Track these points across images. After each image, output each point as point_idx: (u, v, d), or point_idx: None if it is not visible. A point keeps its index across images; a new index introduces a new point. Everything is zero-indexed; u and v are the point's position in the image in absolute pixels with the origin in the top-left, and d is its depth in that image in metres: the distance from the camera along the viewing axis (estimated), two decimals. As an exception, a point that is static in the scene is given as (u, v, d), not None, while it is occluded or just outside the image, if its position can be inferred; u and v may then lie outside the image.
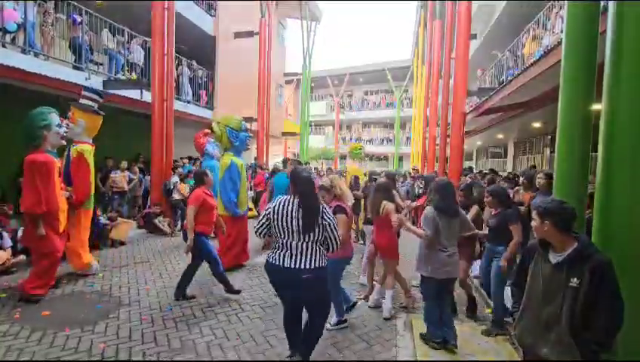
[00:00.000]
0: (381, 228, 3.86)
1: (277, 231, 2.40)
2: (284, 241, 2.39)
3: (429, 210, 3.09)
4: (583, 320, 1.65)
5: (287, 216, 2.35)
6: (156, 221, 7.35)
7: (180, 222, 7.79)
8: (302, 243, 2.36)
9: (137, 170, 8.53)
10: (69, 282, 4.40)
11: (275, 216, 2.39)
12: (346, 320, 3.45)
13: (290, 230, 2.35)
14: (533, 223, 1.83)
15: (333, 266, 3.11)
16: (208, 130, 7.30)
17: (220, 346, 3.04)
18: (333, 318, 3.37)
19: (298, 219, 2.33)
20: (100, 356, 2.82)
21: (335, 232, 2.42)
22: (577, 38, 2.44)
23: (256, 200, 9.63)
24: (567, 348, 1.65)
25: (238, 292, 4.05)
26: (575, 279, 1.65)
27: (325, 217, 2.38)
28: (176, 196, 7.60)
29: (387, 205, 3.73)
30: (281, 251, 2.40)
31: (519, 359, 2.82)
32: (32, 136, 3.91)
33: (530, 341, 1.80)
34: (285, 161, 6.29)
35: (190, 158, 10.32)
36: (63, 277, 4.50)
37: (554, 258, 1.75)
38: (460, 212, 3.17)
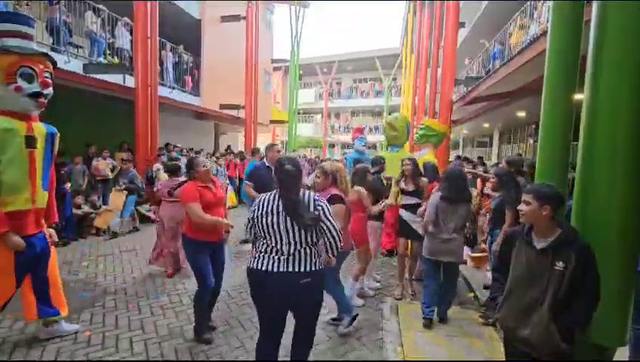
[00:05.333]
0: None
1: (262, 231, 2.02)
2: (272, 243, 2.00)
3: (434, 195, 3.29)
4: (565, 301, 1.71)
5: (272, 213, 2.00)
6: (140, 208, 7.24)
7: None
8: (294, 244, 1.98)
9: (122, 159, 8.30)
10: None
11: (259, 214, 2.03)
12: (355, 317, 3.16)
13: (278, 229, 1.98)
14: (528, 207, 1.79)
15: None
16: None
17: (208, 332, 3.05)
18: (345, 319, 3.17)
19: (286, 217, 1.98)
20: (85, 344, 2.81)
21: (335, 234, 2.03)
22: (562, 28, 2.45)
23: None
24: (546, 328, 1.71)
25: (206, 341, 2.89)
26: (560, 263, 1.70)
27: (324, 218, 2.00)
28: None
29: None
30: (269, 254, 2.00)
31: (500, 341, 2.92)
32: None
33: (513, 324, 1.84)
34: (256, 150, 6.23)
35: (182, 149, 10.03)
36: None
37: (539, 243, 1.79)
38: (464, 201, 3.22)
